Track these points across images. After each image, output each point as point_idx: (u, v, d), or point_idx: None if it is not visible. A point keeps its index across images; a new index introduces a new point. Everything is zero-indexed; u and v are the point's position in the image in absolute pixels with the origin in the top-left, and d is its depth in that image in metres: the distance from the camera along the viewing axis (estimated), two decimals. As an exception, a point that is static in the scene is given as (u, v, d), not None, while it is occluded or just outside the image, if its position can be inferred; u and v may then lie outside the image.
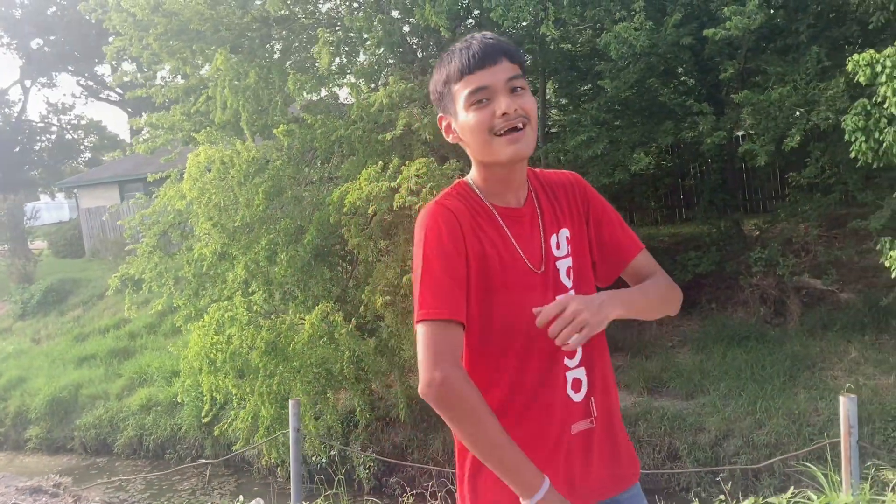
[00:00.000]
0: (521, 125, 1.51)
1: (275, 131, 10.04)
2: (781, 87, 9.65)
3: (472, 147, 1.56)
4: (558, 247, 1.63)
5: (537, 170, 1.71)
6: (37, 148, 36.32)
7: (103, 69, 31.75)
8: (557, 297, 1.45)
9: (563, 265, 1.62)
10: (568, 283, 1.61)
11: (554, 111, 13.73)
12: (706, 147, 10.58)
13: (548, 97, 13.10)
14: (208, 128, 10.90)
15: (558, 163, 10.65)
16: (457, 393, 1.39)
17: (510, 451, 1.41)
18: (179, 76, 12.73)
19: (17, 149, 34.79)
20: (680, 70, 11.55)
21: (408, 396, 10.69)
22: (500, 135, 1.51)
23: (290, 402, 5.16)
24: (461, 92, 1.52)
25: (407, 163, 9.11)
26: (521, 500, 1.42)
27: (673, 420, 9.95)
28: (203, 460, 11.19)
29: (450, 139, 1.62)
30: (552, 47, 11.70)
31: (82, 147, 34.18)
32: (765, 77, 10.51)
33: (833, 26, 10.69)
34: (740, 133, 12.48)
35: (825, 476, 4.15)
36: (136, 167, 23.48)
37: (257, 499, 3.67)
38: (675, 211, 15.75)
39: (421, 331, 1.45)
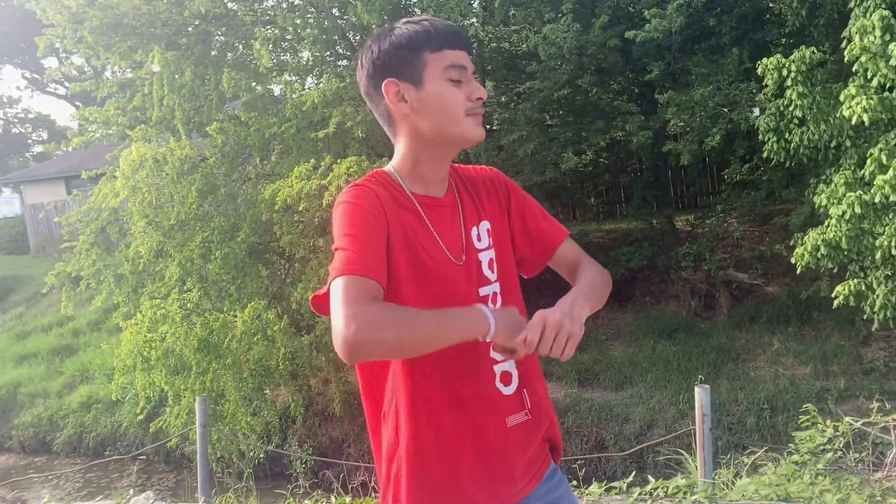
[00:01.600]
0: (484, 113, 1.53)
1: (208, 129, 10.04)
2: (703, 88, 9.92)
3: (434, 120, 1.49)
4: (479, 239, 1.58)
5: (457, 165, 1.67)
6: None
7: (49, 62, 31.20)
8: (533, 320, 1.38)
9: (486, 257, 1.57)
10: (491, 275, 1.57)
11: (493, 108, 13.91)
12: (634, 146, 10.85)
13: (489, 96, 13.27)
14: (143, 125, 10.85)
15: (494, 160, 10.83)
16: (369, 331, 1.26)
17: (437, 317, 1.35)
18: (121, 71, 12.64)
19: (-38, 143, 34.14)
20: (612, 71, 11.78)
21: (344, 392, 10.82)
22: (471, 115, 1.49)
23: (198, 399, 5.25)
24: (438, 63, 1.47)
25: (339, 161, 9.21)
26: (481, 338, 1.37)
27: (601, 411, 10.21)
28: (132, 455, 11.16)
29: (397, 107, 1.51)
30: (490, 46, 11.86)
31: (30, 141, 33.51)
32: (691, 77, 10.80)
33: (758, 29, 11.01)
34: (677, 133, 12.78)
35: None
36: (82, 162, 23.11)
37: (147, 492, 3.75)
38: (615, 207, 16.06)
39: (334, 290, 1.32)
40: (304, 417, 11.33)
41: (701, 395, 4.64)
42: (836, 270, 7.93)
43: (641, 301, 13.22)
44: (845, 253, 7.12)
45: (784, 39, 10.97)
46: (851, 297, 7.47)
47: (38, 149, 35.84)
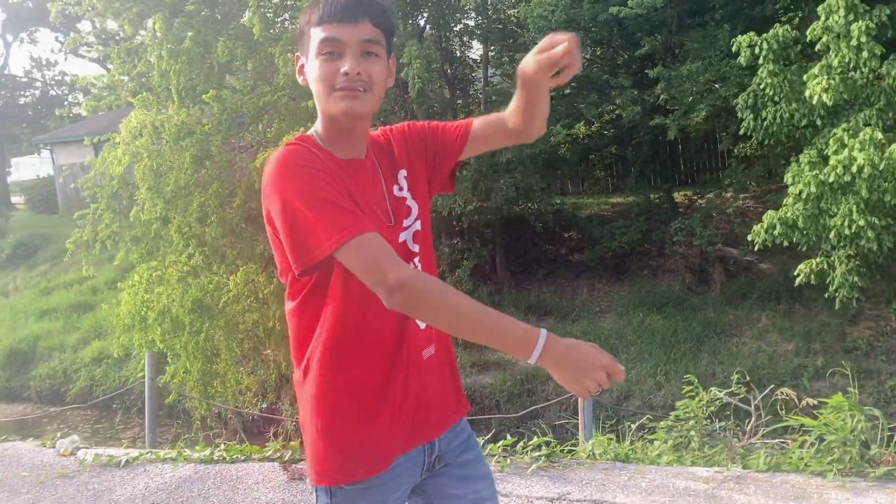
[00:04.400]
0: (361, 89, 1.47)
1: (204, 97, 10.34)
2: (691, 64, 9.94)
3: (314, 95, 1.52)
4: (401, 189, 1.61)
5: (378, 128, 1.70)
6: (21, 103, 36.52)
7: (83, 25, 31.83)
8: (568, 42, 1.44)
9: (406, 205, 1.61)
10: (409, 222, 1.60)
11: (497, 79, 14.02)
12: (626, 120, 10.91)
13: (489, 73, 13.42)
14: (144, 93, 11.20)
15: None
16: (418, 288, 1.32)
17: (494, 316, 1.32)
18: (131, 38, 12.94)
19: (1, 104, 34.98)
20: (607, 45, 11.82)
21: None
22: (338, 90, 1.47)
23: (147, 355, 5.60)
24: (316, 38, 1.48)
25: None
26: (525, 358, 1.31)
27: (580, 382, 10.39)
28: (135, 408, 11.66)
29: (300, 80, 1.57)
30: (491, 15, 11.96)
31: (66, 104, 34.34)
32: (684, 53, 10.81)
33: (756, 4, 10.93)
34: (675, 108, 12.78)
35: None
36: (110, 125, 23.71)
37: (73, 436, 4.11)
38: (624, 181, 16.10)
39: (348, 254, 1.35)
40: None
41: None
42: (803, 248, 8.02)
43: (638, 275, 13.35)
44: (803, 232, 7.20)
45: (782, 14, 10.90)
46: (813, 276, 7.56)
47: (77, 111, 36.67)
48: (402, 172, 1.64)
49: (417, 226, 1.61)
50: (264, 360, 11.91)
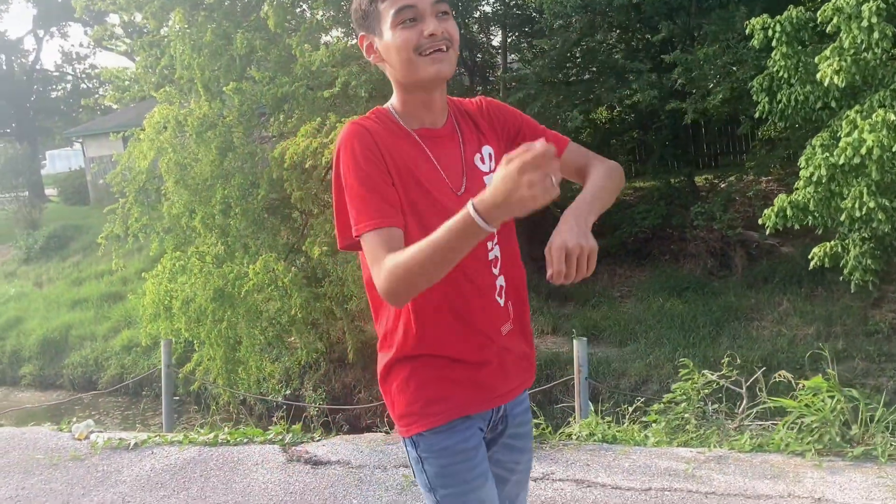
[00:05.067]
0: (444, 47, 1.52)
1: (225, 89, 10.52)
2: (708, 48, 9.90)
3: (395, 67, 1.55)
4: (483, 161, 1.64)
5: (454, 98, 1.72)
6: (53, 97, 37.22)
7: (112, 19, 32.30)
8: (552, 251, 1.41)
9: (490, 180, 1.49)
10: None
11: (517, 64, 14.03)
12: (644, 105, 10.89)
13: (508, 59, 13.44)
14: (168, 87, 11.41)
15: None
16: (390, 276, 1.40)
17: (439, 240, 1.34)
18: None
19: (33, 97, 35.67)
20: (625, 29, 11.78)
21: (358, 340, 11.34)
22: (425, 55, 1.51)
23: (163, 343, 5.78)
24: (388, 10, 1.51)
25: (342, 120, 9.58)
26: (481, 234, 1.33)
27: (599, 365, 10.47)
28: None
29: (371, 59, 1.61)
30: (509, 2, 11.97)
31: (97, 96, 34.92)
32: (702, 36, 10.75)
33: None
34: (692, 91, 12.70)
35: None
36: (138, 118, 24.13)
37: (88, 420, 4.29)
38: (646, 165, 16.03)
39: (364, 244, 1.47)
40: (321, 364, 11.97)
41: (578, 347, 4.93)
42: (820, 232, 7.99)
43: (660, 259, 13.32)
44: (814, 215, 7.18)
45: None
46: (827, 259, 7.53)
47: (109, 104, 37.21)
48: (487, 149, 1.67)
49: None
50: (288, 347, 12.16)
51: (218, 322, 10.36)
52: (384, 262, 1.40)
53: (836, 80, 6.76)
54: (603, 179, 1.64)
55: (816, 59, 7.03)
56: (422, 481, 1.63)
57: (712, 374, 3.81)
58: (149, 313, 10.54)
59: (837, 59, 6.82)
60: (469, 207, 1.28)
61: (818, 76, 7.01)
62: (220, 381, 10.94)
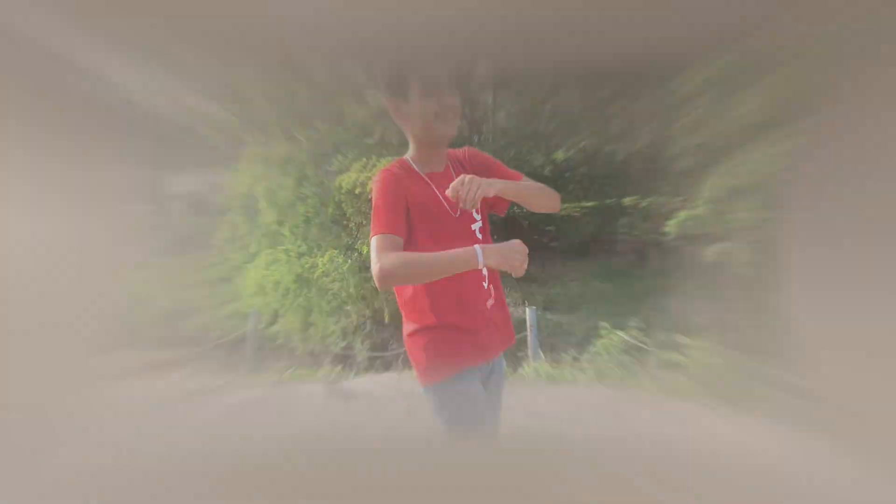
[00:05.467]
0: (456, 112, 1.54)
1: (296, 135, 10.55)
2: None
3: (417, 127, 1.55)
4: None
5: (449, 150, 1.73)
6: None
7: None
8: (454, 182, 1.44)
9: (477, 225, 1.63)
10: (477, 217, 1.64)
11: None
12: (589, 148, 10.66)
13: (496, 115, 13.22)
14: (254, 132, 11.41)
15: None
16: (390, 274, 1.40)
17: (443, 257, 1.39)
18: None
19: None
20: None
21: (392, 308, 11.29)
22: (441, 120, 1.52)
23: (251, 311, 5.75)
24: (417, 85, 1.50)
25: (380, 160, 9.52)
26: (477, 266, 1.40)
27: (555, 327, 10.29)
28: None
29: (396, 117, 1.59)
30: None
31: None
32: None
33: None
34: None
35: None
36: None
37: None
38: (591, 191, 15.84)
39: (372, 243, 1.47)
40: (367, 325, 11.93)
41: (529, 314, 4.82)
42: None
43: (597, 255, 13.21)
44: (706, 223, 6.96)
45: None
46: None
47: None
48: None
49: (480, 223, 1.64)
50: (345, 313, 12.11)
51: (297, 297, 10.38)
52: (383, 256, 1.42)
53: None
54: (536, 188, 1.62)
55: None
56: (440, 415, 1.58)
57: (624, 335, 3.70)
58: (250, 292, 10.57)
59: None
60: (478, 251, 1.38)
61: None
62: (295, 337, 10.94)
